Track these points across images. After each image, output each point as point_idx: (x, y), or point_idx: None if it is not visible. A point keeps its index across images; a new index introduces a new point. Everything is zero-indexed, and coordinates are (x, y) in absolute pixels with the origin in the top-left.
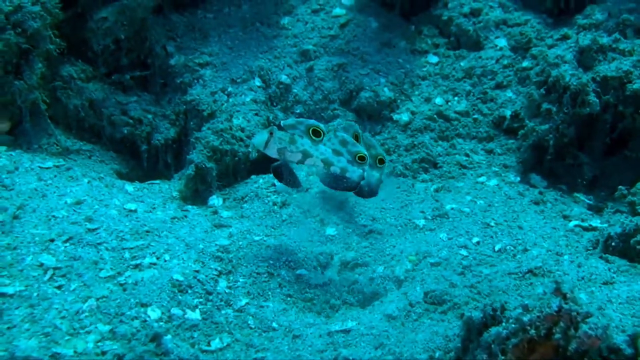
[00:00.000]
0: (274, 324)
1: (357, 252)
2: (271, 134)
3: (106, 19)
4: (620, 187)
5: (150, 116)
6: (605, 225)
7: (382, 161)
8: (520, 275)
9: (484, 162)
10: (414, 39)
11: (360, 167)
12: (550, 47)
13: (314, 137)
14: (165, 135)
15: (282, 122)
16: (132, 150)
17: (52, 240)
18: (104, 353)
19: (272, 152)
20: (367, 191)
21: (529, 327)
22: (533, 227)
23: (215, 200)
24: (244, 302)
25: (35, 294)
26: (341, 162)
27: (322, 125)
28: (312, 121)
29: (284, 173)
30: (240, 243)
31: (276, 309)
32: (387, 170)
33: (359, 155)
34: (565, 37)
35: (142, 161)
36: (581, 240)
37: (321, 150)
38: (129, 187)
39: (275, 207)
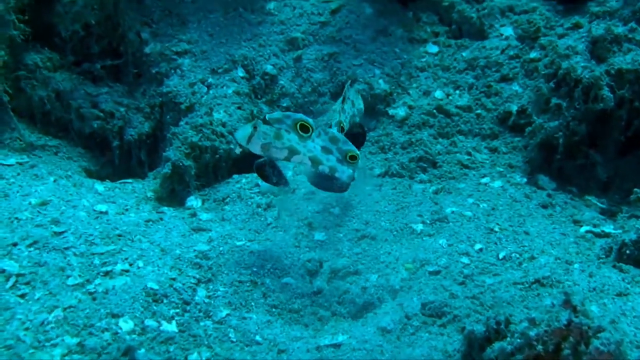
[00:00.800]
0: (258, 337)
1: (349, 259)
2: (255, 128)
3: (75, 2)
4: (635, 189)
5: (122, 109)
6: (620, 231)
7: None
8: (527, 285)
9: (487, 161)
10: (412, 26)
11: (351, 167)
12: (561, 36)
13: (301, 133)
14: (139, 130)
15: (267, 116)
16: (103, 146)
17: (15, 245)
18: None
19: (255, 148)
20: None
21: (535, 342)
22: (541, 232)
23: (193, 201)
24: (224, 313)
25: None
26: (330, 160)
27: (310, 120)
28: (299, 115)
29: (268, 171)
30: (221, 248)
31: (260, 321)
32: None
33: (350, 154)
34: (576, 26)
35: (113, 158)
36: (593, 248)
37: (309, 147)
38: (99, 186)
39: (260, 209)
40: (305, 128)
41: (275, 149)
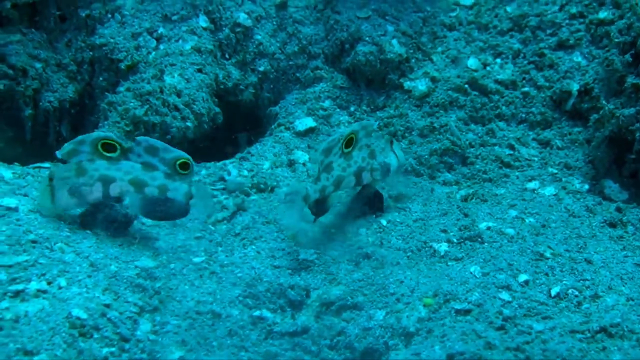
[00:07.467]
0: None
1: (346, 288)
2: (51, 180)
3: None
4: None
5: (39, 65)
6: None
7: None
8: (589, 335)
9: (536, 158)
10: None
11: (185, 181)
12: None
13: (107, 154)
14: (60, 95)
15: (57, 152)
16: (10, 115)
17: None
18: None
19: (66, 204)
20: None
21: None
22: (607, 261)
23: None
24: (176, 355)
25: None
26: (157, 178)
27: (112, 135)
28: (96, 133)
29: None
30: (172, 266)
31: None
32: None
33: (179, 161)
34: None
35: (24, 133)
36: None
37: (125, 168)
38: (6, 172)
39: (226, 212)
40: (110, 147)
41: (85, 187)
